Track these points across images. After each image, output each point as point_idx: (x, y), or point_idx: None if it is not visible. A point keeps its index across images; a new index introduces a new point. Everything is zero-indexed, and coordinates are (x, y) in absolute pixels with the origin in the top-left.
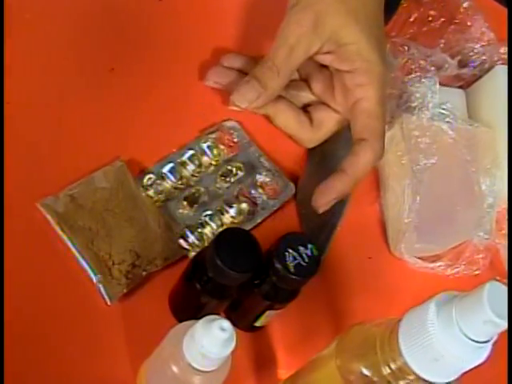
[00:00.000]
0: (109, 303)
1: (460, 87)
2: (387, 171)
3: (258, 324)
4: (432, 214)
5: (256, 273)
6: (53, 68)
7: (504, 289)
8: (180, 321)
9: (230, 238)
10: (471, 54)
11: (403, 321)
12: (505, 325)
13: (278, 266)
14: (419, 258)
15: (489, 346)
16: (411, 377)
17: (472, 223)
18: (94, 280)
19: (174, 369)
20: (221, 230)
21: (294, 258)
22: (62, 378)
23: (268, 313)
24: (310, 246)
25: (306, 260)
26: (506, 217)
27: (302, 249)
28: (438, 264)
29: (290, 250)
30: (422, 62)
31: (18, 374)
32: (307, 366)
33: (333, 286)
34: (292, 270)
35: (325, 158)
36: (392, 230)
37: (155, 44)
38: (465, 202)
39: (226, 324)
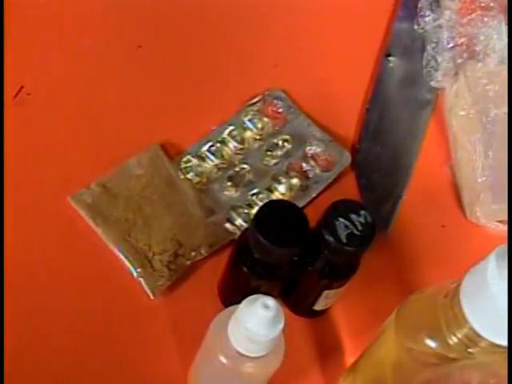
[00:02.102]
0: (152, 297)
1: None
2: (455, 128)
3: (317, 307)
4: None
5: (307, 249)
6: (75, 48)
7: None
8: None
9: (272, 211)
10: None
11: (464, 281)
12: None
13: (329, 237)
14: (499, 221)
15: None
16: (482, 344)
17: None
18: (135, 274)
19: (222, 359)
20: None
21: (346, 227)
22: (111, 379)
23: (326, 293)
24: (362, 212)
25: (360, 228)
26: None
27: (353, 216)
28: None
29: (341, 219)
30: None
31: (61, 373)
32: (368, 346)
33: (401, 260)
34: (344, 240)
35: (383, 118)
36: (466, 193)
37: (183, 17)
38: None
39: (271, 301)
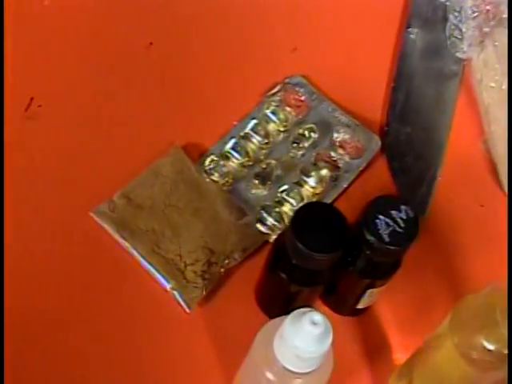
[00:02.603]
0: (188, 311)
1: None
2: (487, 101)
3: (360, 306)
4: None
5: (347, 248)
6: (84, 52)
7: None
8: (271, 317)
9: (309, 215)
10: None
11: None
12: None
13: (370, 237)
14: None
15: None
16: None
17: None
18: (168, 287)
19: (269, 375)
20: (301, 205)
21: (388, 225)
22: None
23: (370, 292)
24: (403, 207)
25: (402, 225)
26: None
27: (394, 213)
28: None
29: (381, 217)
30: None
31: None
32: (423, 349)
33: (441, 246)
34: (387, 239)
35: (410, 96)
36: (503, 168)
37: (191, 9)
38: None
39: (318, 317)
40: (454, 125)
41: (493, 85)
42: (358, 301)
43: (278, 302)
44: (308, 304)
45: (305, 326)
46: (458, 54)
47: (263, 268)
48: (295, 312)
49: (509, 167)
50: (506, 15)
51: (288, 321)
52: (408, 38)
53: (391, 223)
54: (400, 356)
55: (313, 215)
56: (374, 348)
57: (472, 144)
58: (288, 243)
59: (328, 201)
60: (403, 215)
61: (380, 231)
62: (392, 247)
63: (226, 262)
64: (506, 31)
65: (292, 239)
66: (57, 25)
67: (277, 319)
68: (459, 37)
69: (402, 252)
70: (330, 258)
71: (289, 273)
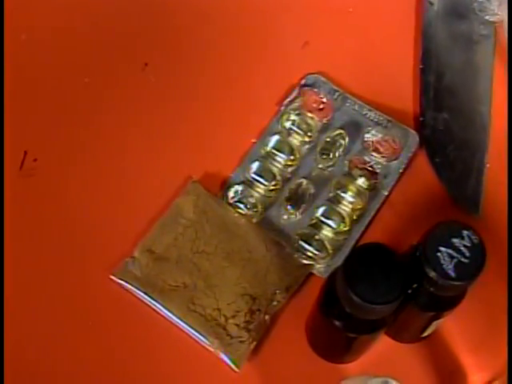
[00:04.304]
0: (236, 370)
1: None
2: None
3: (425, 334)
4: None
5: (406, 284)
6: (76, 90)
7: None
8: (329, 360)
9: (361, 260)
10: None
11: None
12: None
13: (433, 274)
14: None
15: None
16: None
17: None
18: (211, 348)
19: None
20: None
21: (451, 257)
22: None
23: (435, 323)
24: (465, 232)
25: (467, 254)
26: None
27: (456, 241)
28: None
29: (443, 249)
30: None
31: None
32: None
33: (503, 246)
34: (452, 274)
35: (441, 76)
36: None
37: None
38: None
39: None
40: (494, 98)
41: None
42: (422, 332)
43: (334, 347)
44: (370, 345)
45: None
46: (488, 17)
47: (313, 309)
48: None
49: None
50: None
51: None
52: (428, 7)
53: (455, 254)
54: (477, 377)
55: (364, 260)
56: (447, 372)
57: None
58: (340, 292)
59: (370, 214)
60: (467, 242)
61: (444, 266)
62: (459, 282)
63: (270, 307)
64: None
65: (344, 288)
66: (40, 62)
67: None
68: None
69: (470, 283)
70: (389, 308)
71: (344, 321)
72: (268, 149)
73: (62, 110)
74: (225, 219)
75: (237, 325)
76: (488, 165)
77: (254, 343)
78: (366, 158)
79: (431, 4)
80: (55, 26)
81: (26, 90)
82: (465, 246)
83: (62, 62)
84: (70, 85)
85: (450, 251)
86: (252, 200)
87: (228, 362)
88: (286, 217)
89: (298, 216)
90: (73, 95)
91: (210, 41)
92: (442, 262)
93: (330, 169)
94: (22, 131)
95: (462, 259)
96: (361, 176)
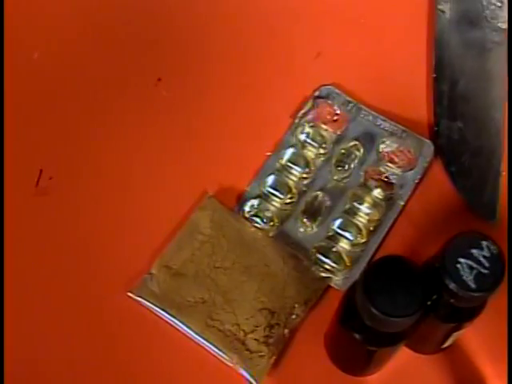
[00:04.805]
0: None
1: None
2: None
3: (446, 345)
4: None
5: (426, 296)
6: (89, 105)
7: None
8: (349, 373)
9: (378, 273)
10: None
11: None
12: None
13: (453, 286)
14: None
15: None
16: None
17: None
18: (230, 363)
19: None
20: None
21: (471, 269)
22: None
23: (456, 334)
24: (484, 243)
25: (487, 264)
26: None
27: (476, 252)
28: None
29: (462, 260)
30: None
31: None
32: None
33: None
34: (472, 285)
35: (455, 84)
36: None
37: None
38: None
39: None
40: (508, 105)
41: None
42: (442, 343)
43: (354, 360)
44: (390, 358)
45: None
46: (500, 24)
47: (332, 322)
48: None
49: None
50: None
51: None
52: (440, 16)
53: (474, 265)
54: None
55: (384, 272)
56: (467, 382)
57: None
58: (360, 305)
59: (387, 225)
60: (486, 253)
61: (463, 277)
62: (479, 294)
63: (289, 321)
64: None
65: (364, 302)
66: (53, 79)
67: None
68: (499, 4)
69: (491, 294)
70: (409, 320)
71: (363, 334)
72: (283, 162)
73: (77, 127)
74: (241, 234)
75: (256, 339)
76: (504, 172)
77: (274, 357)
78: (382, 169)
79: (442, 12)
80: (69, 43)
81: (42, 108)
82: (484, 256)
83: (77, 79)
84: (85, 102)
85: (470, 262)
86: (268, 214)
87: (248, 377)
88: (302, 230)
89: (315, 229)
90: (88, 112)
91: (222, 55)
92: (462, 273)
93: (345, 180)
94: (38, 150)
95: (482, 270)
96: (376, 187)
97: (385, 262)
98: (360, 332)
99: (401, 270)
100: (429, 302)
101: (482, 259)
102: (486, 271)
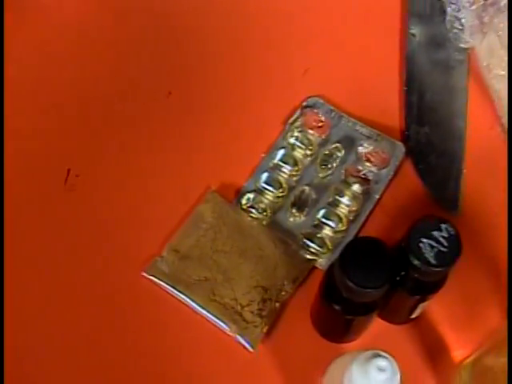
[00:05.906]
0: (252, 350)
1: None
2: (497, 87)
3: (413, 316)
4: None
5: (394, 271)
6: (109, 111)
7: None
8: (332, 341)
9: (355, 251)
10: None
11: None
12: None
13: (416, 262)
14: None
15: None
16: None
17: None
18: (229, 332)
19: None
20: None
21: (431, 247)
22: None
23: (422, 305)
24: (443, 225)
25: (445, 244)
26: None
27: (436, 233)
28: None
29: (424, 240)
30: None
31: None
32: (491, 349)
33: (481, 237)
34: (433, 261)
35: (422, 95)
36: None
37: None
38: None
39: (384, 362)
40: (469, 114)
41: (502, 73)
42: (410, 314)
43: (335, 329)
44: (366, 326)
45: (372, 373)
46: (462, 45)
47: (316, 296)
48: (362, 357)
49: (509, 170)
50: (504, 2)
51: (355, 367)
52: (411, 38)
53: (434, 244)
54: (460, 352)
55: (359, 251)
56: (433, 349)
57: (490, 129)
58: (338, 280)
59: (364, 215)
60: (445, 233)
61: (425, 255)
62: (439, 269)
63: (280, 296)
64: (506, 19)
65: (341, 277)
66: (78, 95)
67: (346, 356)
68: (460, 27)
69: (449, 269)
70: (379, 291)
71: (342, 305)
72: (275, 161)
73: (99, 132)
74: (239, 222)
75: (251, 312)
76: (465, 170)
77: (267, 327)
78: (360, 167)
79: (413, 36)
80: (93, 61)
81: (68, 118)
82: (443, 237)
83: (98, 93)
84: (106, 112)
85: (431, 242)
86: (262, 205)
87: (244, 343)
88: (291, 219)
89: (302, 218)
90: (108, 120)
91: (225, 71)
92: (424, 251)
93: (328, 177)
94: (66, 153)
95: (441, 248)
96: (355, 183)
97: (359, 242)
98: (339, 303)
99: (373, 249)
100: (398, 278)
101: (441, 239)
102: (444, 249)
